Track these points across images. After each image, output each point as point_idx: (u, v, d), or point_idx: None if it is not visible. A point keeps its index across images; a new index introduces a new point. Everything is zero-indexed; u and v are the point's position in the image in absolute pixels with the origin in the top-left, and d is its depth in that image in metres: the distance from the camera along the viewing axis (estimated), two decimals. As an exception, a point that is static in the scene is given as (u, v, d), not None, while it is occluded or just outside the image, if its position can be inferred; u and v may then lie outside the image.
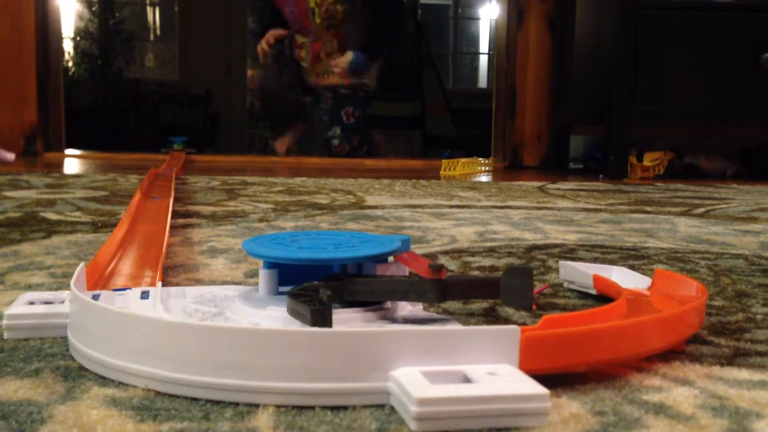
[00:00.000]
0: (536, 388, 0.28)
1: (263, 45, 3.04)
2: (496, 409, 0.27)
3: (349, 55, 3.00)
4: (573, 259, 0.65)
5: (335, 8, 2.97)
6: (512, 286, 0.34)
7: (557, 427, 0.28)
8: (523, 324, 0.43)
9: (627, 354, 0.34)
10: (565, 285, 0.53)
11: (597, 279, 0.49)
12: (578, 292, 0.52)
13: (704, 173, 2.20)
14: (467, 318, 0.44)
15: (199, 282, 0.53)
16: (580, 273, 0.51)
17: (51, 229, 0.77)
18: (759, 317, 0.46)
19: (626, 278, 0.49)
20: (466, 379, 0.29)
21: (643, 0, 1.95)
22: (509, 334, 0.30)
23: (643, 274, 0.49)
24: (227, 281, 0.54)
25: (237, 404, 0.29)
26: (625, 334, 0.33)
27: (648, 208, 1.16)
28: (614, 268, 0.50)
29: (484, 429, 0.27)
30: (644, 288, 0.46)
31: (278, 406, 0.29)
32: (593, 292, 0.50)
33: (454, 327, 0.35)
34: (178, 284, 0.52)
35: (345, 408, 0.29)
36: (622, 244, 0.76)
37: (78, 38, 5.34)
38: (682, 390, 0.32)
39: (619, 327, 0.33)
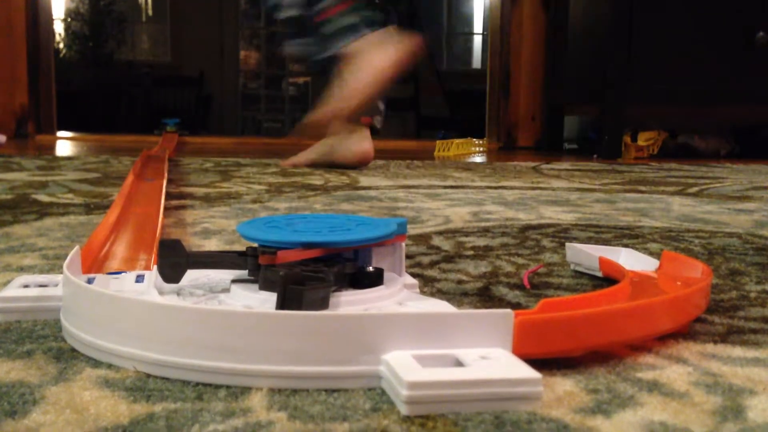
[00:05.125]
0: (528, 372, 0.27)
1: None
2: (487, 393, 0.27)
3: None
4: (567, 238, 0.65)
5: None
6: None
7: (551, 405, 0.28)
8: (518, 304, 0.43)
9: (625, 339, 0.34)
10: (572, 267, 0.53)
11: (603, 261, 0.48)
12: (574, 272, 0.52)
13: (698, 153, 2.20)
14: (461, 298, 0.44)
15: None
16: (587, 255, 0.50)
17: (43, 211, 0.77)
18: (752, 295, 0.46)
19: (635, 260, 0.48)
20: (458, 363, 0.28)
21: (637, -21, 1.94)
22: (503, 318, 0.30)
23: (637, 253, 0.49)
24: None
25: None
26: (622, 318, 0.33)
27: (642, 188, 1.16)
28: (622, 249, 0.50)
29: (475, 412, 0.27)
30: (652, 270, 0.46)
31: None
32: (599, 274, 0.49)
33: (447, 310, 0.35)
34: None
35: (339, 388, 0.29)
36: (617, 223, 0.76)
37: (69, 19, 5.29)
38: (676, 367, 0.32)
39: (615, 311, 0.33)
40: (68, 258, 0.37)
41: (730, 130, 2.28)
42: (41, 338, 0.34)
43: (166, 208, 0.78)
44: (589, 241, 0.65)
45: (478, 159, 1.95)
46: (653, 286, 0.41)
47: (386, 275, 0.39)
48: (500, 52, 2.62)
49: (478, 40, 5.90)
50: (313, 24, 1.19)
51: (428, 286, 0.47)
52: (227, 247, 0.59)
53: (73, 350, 0.33)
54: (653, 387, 0.30)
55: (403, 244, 0.42)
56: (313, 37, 1.19)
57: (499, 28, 2.63)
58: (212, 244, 0.61)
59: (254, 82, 5.93)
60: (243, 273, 0.39)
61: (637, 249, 0.58)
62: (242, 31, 5.74)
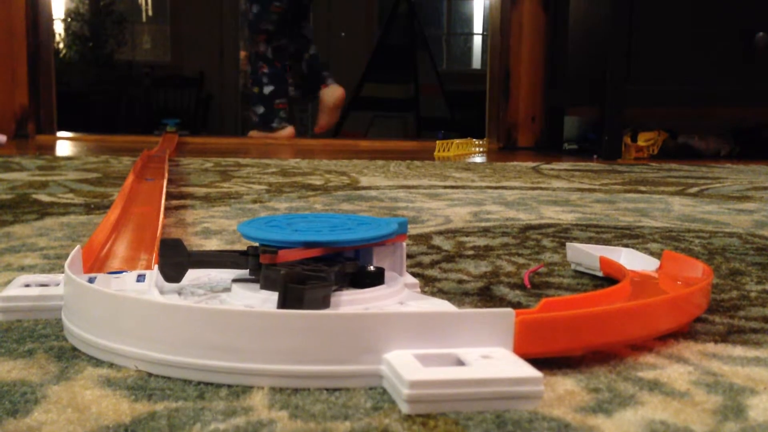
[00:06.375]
0: (530, 372, 0.28)
1: None
2: (489, 392, 0.27)
3: None
4: (568, 238, 0.65)
5: None
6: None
7: (552, 404, 0.28)
8: (519, 303, 0.43)
9: (625, 338, 0.34)
10: (573, 267, 0.53)
11: (603, 261, 0.48)
12: (575, 271, 0.52)
13: (698, 153, 2.20)
14: (462, 297, 0.44)
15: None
16: (587, 255, 0.50)
17: (43, 210, 0.77)
18: (753, 295, 0.46)
19: (635, 260, 0.48)
20: (459, 362, 0.28)
21: (637, -21, 1.94)
22: (504, 317, 0.30)
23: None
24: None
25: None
26: (622, 318, 0.33)
27: (642, 188, 1.16)
28: (623, 249, 0.50)
29: (476, 411, 0.27)
30: (653, 270, 0.46)
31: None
32: (600, 274, 0.49)
33: (448, 309, 0.35)
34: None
35: (340, 387, 0.29)
36: (617, 223, 0.76)
37: (69, 19, 5.29)
38: (677, 367, 0.32)
39: (616, 311, 0.33)
40: (69, 257, 0.37)
41: (731, 130, 2.28)
42: (42, 337, 0.34)
43: (166, 208, 0.78)
44: (589, 241, 0.65)
45: (478, 159, 1.95)
46: (654, 286, 0.41)
47: (387, 275, 0.39)
48: (500, 53, 2.62)
49: (477, 41, 5.90)
50: None
51: (429, 285, 0.47)
52: (228, 247, 0.59)
53: (75, 349, 0.33)
54: (654, 386, 0.30)
55: (404, 244, 0.42)
56: None
57: (499, 28, 2.63)
58: (213, 244, 0.61)
59: (254, 82, 5.92)
60: (244, 272, 0.39)
61: (637, 249, 0.58)
62: (242, 32, 5.74)
